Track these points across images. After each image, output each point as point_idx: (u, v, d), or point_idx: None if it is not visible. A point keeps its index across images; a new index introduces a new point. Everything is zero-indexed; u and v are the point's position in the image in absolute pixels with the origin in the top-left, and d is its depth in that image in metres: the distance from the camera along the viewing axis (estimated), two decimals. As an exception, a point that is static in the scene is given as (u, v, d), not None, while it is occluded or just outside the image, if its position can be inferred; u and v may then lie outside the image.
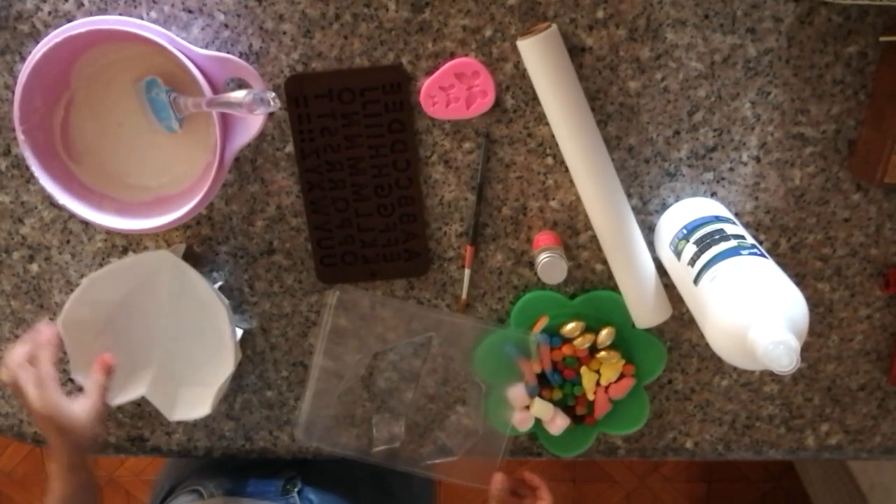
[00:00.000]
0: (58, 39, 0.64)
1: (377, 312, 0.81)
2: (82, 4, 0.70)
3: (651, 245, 0.76)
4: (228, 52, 0.70)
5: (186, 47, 0.65)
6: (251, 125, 0.67)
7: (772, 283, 0.59)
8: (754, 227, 0.77)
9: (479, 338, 0.80)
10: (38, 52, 0.65)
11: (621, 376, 0.81)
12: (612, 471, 1.92)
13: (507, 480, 0.80)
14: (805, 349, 0.82)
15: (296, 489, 0.88)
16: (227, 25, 0.70)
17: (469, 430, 0.85)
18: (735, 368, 0.83)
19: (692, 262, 0.65)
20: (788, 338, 0.53)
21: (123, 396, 0.80)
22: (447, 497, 1.88)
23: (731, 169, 0.74)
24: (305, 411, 0.83)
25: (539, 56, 0.68)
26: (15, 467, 1.94)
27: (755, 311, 0.56)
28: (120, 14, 0.70)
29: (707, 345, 0.81)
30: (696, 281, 0.64)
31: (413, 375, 0.83)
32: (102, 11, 0.70)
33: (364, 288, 0.80)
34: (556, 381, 0.81)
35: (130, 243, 0.79)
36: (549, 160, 0.74)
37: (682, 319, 0.80)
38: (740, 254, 0.62)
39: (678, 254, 0.69)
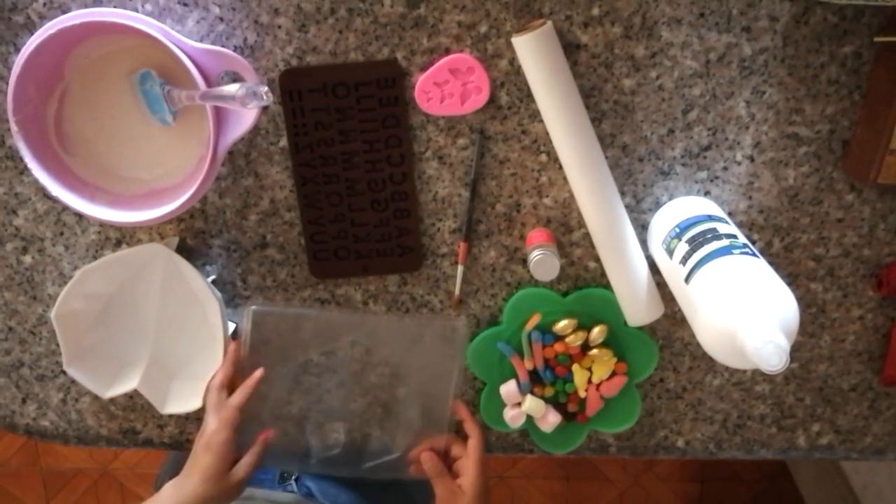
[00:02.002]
0: (52, 31, 0.64)
1: (299, 323, 0.80)
2: (77, -4, 0.70)
3: (644, 243, 0.76)
4: (223, 46, 0.70)
5: (180, 40, 0.65)
6: (245, 119, 0.66)
7: (762, 282, 0.59)
8: (748, 227, 0.77)
9: (404, 332, 0.81)
10: (31, 43, 0.64)
11: (613, 374, 0.81)
12: (606, 469, 1.93)
13: (436, 457, 0.81)
14: (797, 349, 0.82)
15: (293, 477, 0.88)
16: (222, 19, 0.70)
17: (407, 424, 0.84)
18: (727, 368, 0.83)
19: (684, 260, 0.65)
20: (778, 337, 0.53)
21: (115, 389, 0.80)
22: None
23: (725, 168, 0.74)
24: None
25: (534, 53, 0.68)
26: (9, 459, 1.94)
27: (745, 310, 0.56)
28: (115, 6, 0.70)
29: (699, 344, 0.81)
30: (687, 280, 0.64)
31: (342, 381, 0.83)
32: (97, 3, 0.70)
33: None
34: (548, 379, 0.81)
35: (124, 236, 0.79)
36: (543, 157, 0.74)
37: (674, 318, 0.80)
38: (732, 253, 0.62)
39: (670, 252, 0.69)
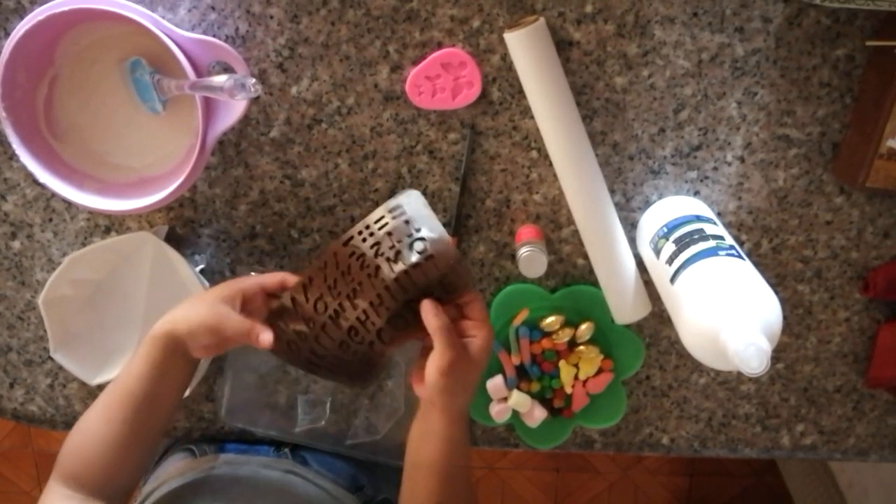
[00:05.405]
0: (42, 16, 0.64)
1: None
2: (68, -18, 0.69)
3: (633, 242, 0.76)
4: (215, 35, 0.70)
5: (171, 29, 0.64)
6: (234, 109, 0.66)
7: (746, 284, 0.59)
8: (736, 227, 0.77)
9: None
10: (21, 28, 0.64)
11: (599, 371, 0.81)
12: (596, 462, 1.94)
13: (440, 307, 0.63)
14: (783, 350, 0.83)
15: (288, 448, 0.87)
16: (213, 8, 0.70)
17: (392, 408, 0.85)
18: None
19: (670, 260, 0.66)
20: (760, 340, 0.53)
21: (102, 376, 0.80)
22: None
23: (716, 168, 0.74)
24: (227, 392, 0.83)
25: (526, 49, 0.68)
26: (1, 441, 1.95)
27: (728, 312, 0.56)
28: (106, -8, 0.69)
29: (686, 342, 0.82)
30: (672, 280, 0.64)
31: None
32: (88, -11, 0.70)
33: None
34: (535, 374, 0.81)
35: (113, 223, 0.79)
36: (534, 154, 0.74)
37: (661, 316, 0.81)
38: (717, 254, 0.62)
39: (657, 252, 0.69)
